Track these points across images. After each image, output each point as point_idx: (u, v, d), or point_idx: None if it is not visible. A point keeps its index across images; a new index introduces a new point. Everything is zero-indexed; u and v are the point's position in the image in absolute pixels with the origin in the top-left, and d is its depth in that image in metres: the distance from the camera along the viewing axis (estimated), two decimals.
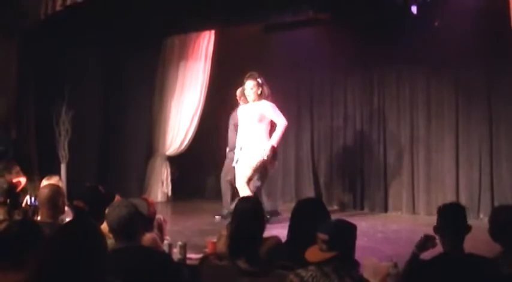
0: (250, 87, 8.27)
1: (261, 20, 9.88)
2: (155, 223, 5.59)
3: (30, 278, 2.65)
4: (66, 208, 6.15)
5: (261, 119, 8.23)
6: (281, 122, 8.20)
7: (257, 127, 8.25)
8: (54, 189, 5.23)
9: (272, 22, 10.02)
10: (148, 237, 4.79)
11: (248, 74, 8.37)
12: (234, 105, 9.13)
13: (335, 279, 3.21)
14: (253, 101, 8.30)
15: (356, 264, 3.83)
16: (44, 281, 2.57)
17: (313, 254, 3.66)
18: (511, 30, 7.95)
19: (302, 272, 3.35)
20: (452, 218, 4.22)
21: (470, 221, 8.62)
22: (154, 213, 5.49)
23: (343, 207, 10.66)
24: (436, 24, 9.20)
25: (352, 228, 3.83)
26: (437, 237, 4.23)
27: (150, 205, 5.38)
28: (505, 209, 4.48)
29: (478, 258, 3.59)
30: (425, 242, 4.28)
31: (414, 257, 4.26)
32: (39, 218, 5.24)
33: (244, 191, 8.03)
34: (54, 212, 4.97)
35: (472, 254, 3.77)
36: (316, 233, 3.70)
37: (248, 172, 8.16)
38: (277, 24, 10.19)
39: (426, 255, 4.17)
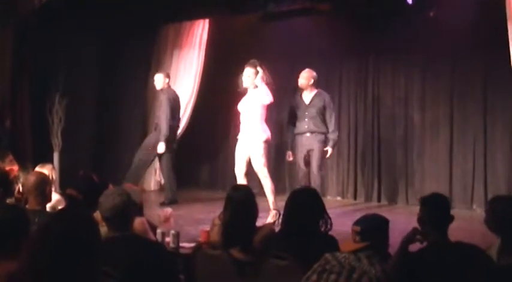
0: (248, 74, 8.37)
1: (258, 9, 9.87)
2: (162, 214, 5.60)
3: (22, 268, 2.63)
4: (59, 196, 6.16)
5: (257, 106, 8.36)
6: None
7: (253, 114, 8.35)
8: (41, 176, 5.25)
9: (269, 11, 9.99)
10: (138, 221, 4.78)
11: (249, 61, 8.44)
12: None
13: (366, 264, 3.33)
14: (249, 87, 8.40)
15: (388, 257, 3.94)
16: (37, 271, 2.55)
17: (347, 244, 3.81)
18: (506, 21, 7.96)
19: (337, 253, 3.50)
20: (435, 209, 4.23)
21: (464, 211, 8.67)
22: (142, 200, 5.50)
23: (336, 197, 10.68)
24: (431, 14, 9.21)
25: (384, 222, 4.02)
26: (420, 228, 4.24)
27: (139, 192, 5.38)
28: (502, 200, 4.47)
29: (466, 246, 3.59)
30: (413, 235, 4.27)
31: (402, 250, 4.25)
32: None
33: (265, 180, 8.30)
34: (42, 199, 4.99)
35: (460, 242, 3.78)
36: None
37: (261, 161, 8.26)
38: (273, 13, 10.16)
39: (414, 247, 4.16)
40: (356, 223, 3.93)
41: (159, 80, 9.90)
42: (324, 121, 8.86)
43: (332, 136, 8.86)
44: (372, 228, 3.87)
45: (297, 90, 9.07)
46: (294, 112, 9.01)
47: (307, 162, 8.84)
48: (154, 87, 11.27)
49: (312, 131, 8.81)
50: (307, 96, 8.91)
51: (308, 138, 8.82)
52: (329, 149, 8.85)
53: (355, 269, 3.30)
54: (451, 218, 4.20)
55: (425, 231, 4.16)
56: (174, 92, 10.07)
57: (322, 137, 8.82)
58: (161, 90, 9.90)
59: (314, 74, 8.92)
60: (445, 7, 9.09)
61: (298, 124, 8.93)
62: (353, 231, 3.87)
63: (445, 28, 9.32)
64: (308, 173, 8.85)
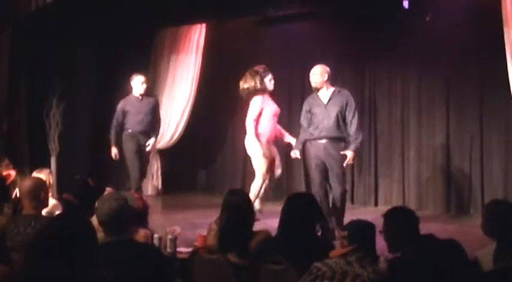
0: (269, 78, 8.37)
1: (256, 13, 9.89)
2: (169, 232, 5.60)
3: (18, 272, 2.64)
4: (56, 201, 6.16)
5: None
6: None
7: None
8: (37, 182, 5.21)
9: (266, 16, 10.00)
10: (141, 234, 4.79)
11: (262, 67, 8.47)
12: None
13: (357, 267, 3.37)
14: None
15: (377, 258, 3.98)
16: (33, 275, 2.55)
17: (336, 251, 3.85)
18: (502, 25, 7.99)
19: (326, 260, 3.53)
20: (397, 223, 4.20)
21: (461, 216, 8.62)
22: (146, 209, 5.48)
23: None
24: (427, 19, 9.23)
25: (370, 226, 4.07)
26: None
27: (138, 200, 5.36)
28: (499, 204, 4.49)
29: (438, 242, 3.62)
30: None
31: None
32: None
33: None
34: (36, 204, 4.96)
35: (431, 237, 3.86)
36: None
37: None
38: (270, 19, 10.17)
39: None
40: (342, 229, 4.08)
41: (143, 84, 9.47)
42: (345, 124, 7.65)
43: (353, 138, 7.61)
44: (359, 231, 3.94)
45: (313, 91, 7.96)
46: (307, 114, 7.86)
47: (324, 174, 7.66)
48: (150, 91, 11.26)
49: (329, 137, 7.63)
50: (325, 94, 7.74)
51: (325, 146, 7.61)
52: (348, 153, 7.53)
53: (347, 272, 3.32)
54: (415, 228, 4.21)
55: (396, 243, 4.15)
56: None
57: (341, 144, 7.63)
58: (145, 94, 9.44)
59: (327, 68, 7.84)
60: (441, 12, 9.12)
61: (312, 128, 7.76)
62: (340, 236, 3.97)
63: (441, 33, 9.35)
64: (325, 186, 7.68)
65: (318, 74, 7.76)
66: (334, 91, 7.76)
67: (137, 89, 9.32)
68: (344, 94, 7.78)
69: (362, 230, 3.98)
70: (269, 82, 8.33)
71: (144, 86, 9.33)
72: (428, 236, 4.00)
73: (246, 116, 8.30)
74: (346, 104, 7.66)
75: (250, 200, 4.98)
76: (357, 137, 7.63)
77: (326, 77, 7.75)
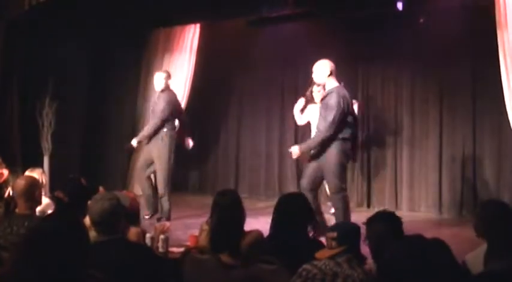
0: (317, 90, 8.48)
1: (250, 14, 9.90)
2: (159, 228, 5.60)
3: (8, 272, 2.63)
4: (49, 200, 6.14)
5: None
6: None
7: None
8: (31, 181, 5.18)
9: (261, 16, 10.01)
10: (133, 232, 4.79)
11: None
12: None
13: (347, 268, 3.39)
14: (320, 102, 8.20)
15: (364, 259, 3.98)
16: (24, 275, 2.55)
17: (324, 252, 3.86)
18: (496, 28, 8.01)
19: (315, 261, 3.53)
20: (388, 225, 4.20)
21: (454, 217, 8.62)
22: (138, 208, 5.48)
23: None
24: (421, 21, 9.27)
25: (356, 227, 4.08)
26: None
27: (132, 200, 5.36)
28: (491, 204, 4.48)
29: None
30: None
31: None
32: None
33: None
34: (31, 203, 4.94)
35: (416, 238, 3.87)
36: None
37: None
38: (263, 18, 10.18)
39: None
40: (331, 230, 4.01)
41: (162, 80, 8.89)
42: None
43: (315, 136, 7.33)
44: (348, 233, 3.95)
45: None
46: None
47: (318, 179, 7.39)
48: (144, 90, 11.25)
49: None
50: (325, 93, 7.46)
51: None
52: (293, 148, 7.35)
53: (337, 274, 3.33)
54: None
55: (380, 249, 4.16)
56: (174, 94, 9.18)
57: (329, 146, 7.15)
58: (161, 91, 8.88)
59: (326, 64, 7.43)
60: (435, 14, 9.15)
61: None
62: (328, 238, 3.93)
63: (434, 34, 9.38)
64: (312, 187, 7.29)
65: (315, 70, 7.48)
66: (328, 90, 7.34)
67: (156, 84, 8.94)
68: (332, 96, 7.22)
69: (352, 232, 3.99)
70: (317, 93, 8.48)
71: (163, 82, 8.83)
72: (416, 236, 4.00)
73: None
74: (328, 103, 7.21)
75: (240, 200, 4.98)
76: (315, 140, 7.27)
77: (323, 74, 7.38)
